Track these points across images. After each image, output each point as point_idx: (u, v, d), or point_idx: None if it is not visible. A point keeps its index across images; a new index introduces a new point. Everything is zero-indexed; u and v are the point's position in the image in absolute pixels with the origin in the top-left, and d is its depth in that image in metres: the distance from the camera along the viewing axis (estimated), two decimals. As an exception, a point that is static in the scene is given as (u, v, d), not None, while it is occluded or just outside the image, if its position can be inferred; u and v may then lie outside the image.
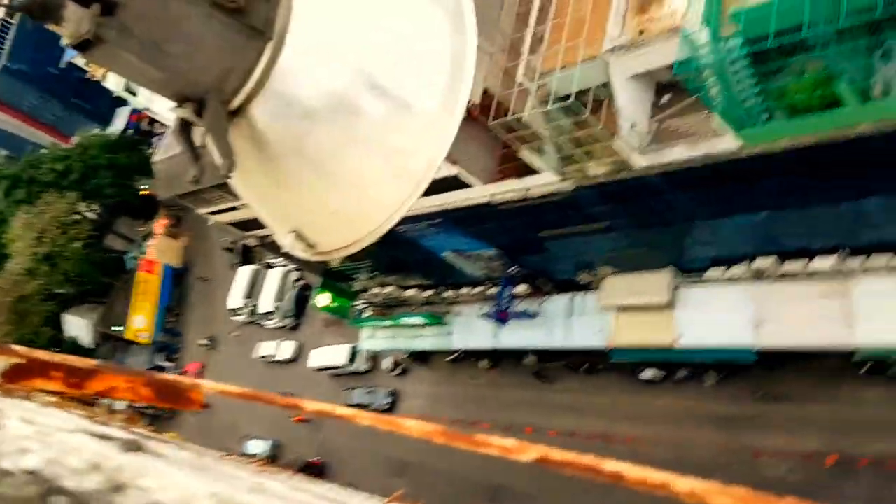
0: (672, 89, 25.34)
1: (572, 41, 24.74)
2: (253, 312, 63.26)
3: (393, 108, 2.80)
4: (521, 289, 38.76)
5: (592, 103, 25.00)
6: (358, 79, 2.75)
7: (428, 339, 44.43)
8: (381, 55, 2.78)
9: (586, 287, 35.76)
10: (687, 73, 22.41)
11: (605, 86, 24.82)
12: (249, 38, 2.72)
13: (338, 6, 2.89)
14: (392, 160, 2.91)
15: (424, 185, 2.99)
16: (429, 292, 44.37)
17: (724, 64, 22.50)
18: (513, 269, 38.34)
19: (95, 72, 63.87)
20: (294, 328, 61.25)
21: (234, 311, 65.34)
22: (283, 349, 59.63)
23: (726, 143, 24.20)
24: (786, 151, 23.62)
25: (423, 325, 44.45)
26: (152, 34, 2.59)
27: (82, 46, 2.63)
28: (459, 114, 2.93)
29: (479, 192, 31.07)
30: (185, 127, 2.88)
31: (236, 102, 2.76)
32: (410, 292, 45.40)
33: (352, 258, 44.72)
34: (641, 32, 24.12)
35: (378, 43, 2.80)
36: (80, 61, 68.07)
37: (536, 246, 35.07)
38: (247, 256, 66.37)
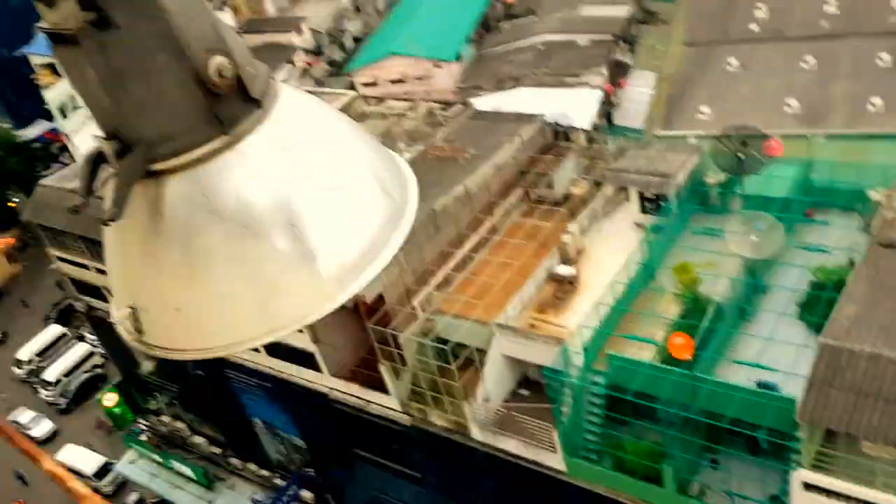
0: (535, 388, 26.38)
1: (475, 298, 25.96)
2: (35, 374, 57.14)
3: (296, 253, 2.78)
4: (307, 495, 36.56)
5: (464, 360, 25.66)
6: (281, 209, 2.76)
7: (186, 497, 40.56)
8: (315, 203, 2.82)
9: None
10: (552, 382, 23.56)
11: (482, 352, 25.67)
12: (208, 123, 2.73)
13: (303, 141, 2.97)
14: (265, 297, 2.84)
15: (276, 337, 2.90)
16: (217, 449, 41.34)
17: (583, 392, 23.85)
18: (310, 471, 36.42)
19: (43, 78, 62.38)
20: (65, 411, 55.10)
21: (19, 363, 58.98)
22: (41, 426, 53.07)
23: (554, 461, 24.85)
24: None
25: (190, 479, 40.79)
26: (125, 66, 2.58)
27: (57, 38, 2.58)
28: (349, 294, 2.94)
29: (323, 380, 30.34)
30: (97, 159, 2.78)
31: (158, 167, 2.71)
32: (199, 440, 42.22)
33: (164, 374, 41.80)
34: (532, 326, 25.60)
35: (319, 191, 2.86)
36: (35, 59, 66.60)
37: (347, 460, 33.72)
38: (64, 317, 61.46)
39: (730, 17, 42.82)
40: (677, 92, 39.92)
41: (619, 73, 42.99)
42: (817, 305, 23.25)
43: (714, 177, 29.66)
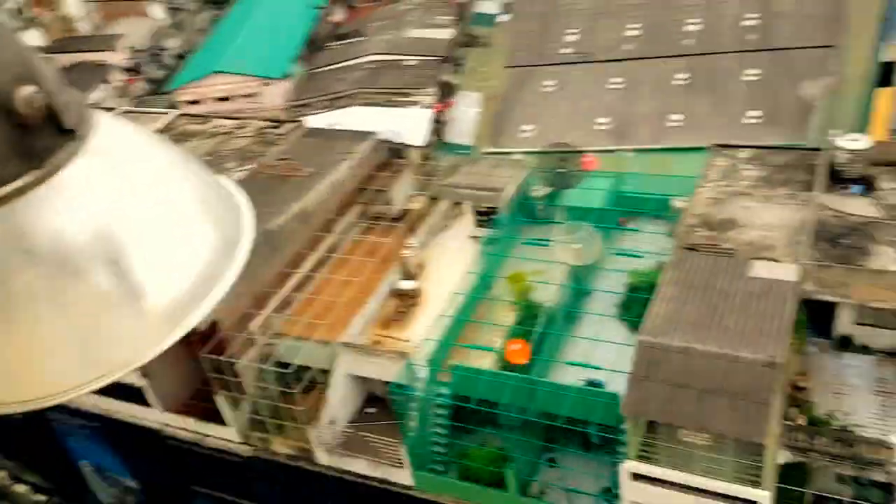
0: (381, 404, 26.41)
1: (316, 319, 25.58)
2: None
3: (120, 291, 2.67)
4: (142, 538, 34.14)
5: (307, 383, 25.18)
6: (101, 245, 2.63)
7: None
8: (139, 236, 2.71)
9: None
10: (398, 397, 23.74)
11: (325, 373, 25.34)
12: (17, 157, 2.58)
13: (123, 172, 2.86)
14: (88, 341, 2.70)
15: (104, 383, 2.76)
16: (43, 496, 37.72)
17: (429, 404, 24.25)
18: (145, 512, 34.11)
19: None
20: None
21: None
22: None
23: (402, 476, 25.00)
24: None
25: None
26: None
27: None
28: (182, 331, 2.86)
29: (154, 416, 28.58)
30: None
31: (-34, 200, 2.52)
32: (22, 488, 38.33)
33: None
34: (376, 343, 25.67)
35: (142, 223, 2.75)
36: None
37: (184, 498, 31.91)
38: None
39: (545, 41, 45.55)
40: (502, 111, 41.81)
41: (446, 92, 44.37)
42: (634, 306, 25.18)
43: (539, 190, 31.35)
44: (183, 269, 2.80)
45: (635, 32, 43.76)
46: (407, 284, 27.29)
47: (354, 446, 25.80)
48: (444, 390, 24.18)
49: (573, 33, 45.33)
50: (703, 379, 20.14)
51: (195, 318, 2.81)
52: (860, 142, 25.92)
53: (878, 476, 20.49)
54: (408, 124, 36.72)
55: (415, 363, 24.01)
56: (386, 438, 25.23)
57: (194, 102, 47.63)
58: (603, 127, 39.03)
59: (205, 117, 40.80)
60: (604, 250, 27.86)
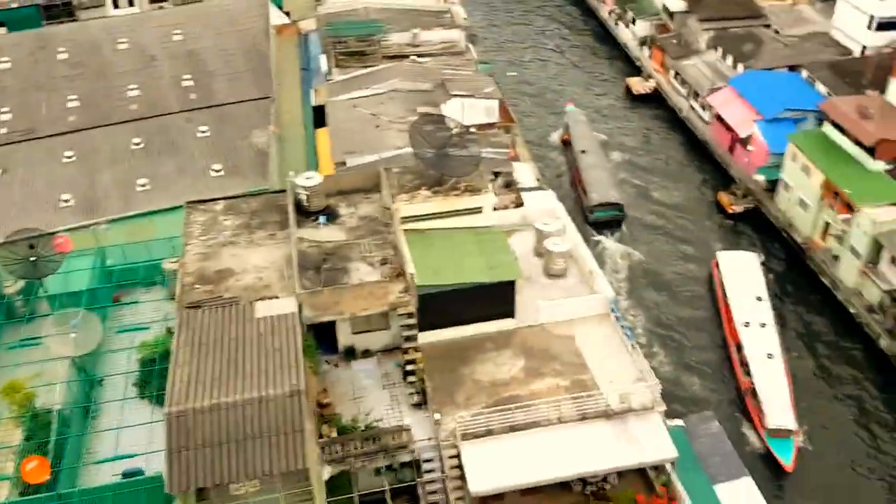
0: None
1: None
2: None
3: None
4: None
5: None
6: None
7: None
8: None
9: None
10: None
11: None
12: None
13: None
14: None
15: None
16: None
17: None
18: None
19: None
20: None
21: None
22: None
23: None
24: None
25: None
26: None
27: None
28: None
29: None
30: None
31: None
32: None
33: None
34: None
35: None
36: None
37: None
38: None
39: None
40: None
41: None
42: (153, 380, 24.32)
43: (11, 286, 27.82)
44: None
45: (75, 104, 41.70)
46: None
47: None
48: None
49: (4, 112, 41.09)
50: (238, 429, 20.57)
51: None
52: (313, 179, 29.45)
53: (405, 457, 23.85)
54: None
55: None
56: None
57: None
58: (68, 204, 36.23)
59: None
60: (104, 332, 26.15)
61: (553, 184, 51.59)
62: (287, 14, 59.05)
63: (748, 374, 35.89)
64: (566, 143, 57.75)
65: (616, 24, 74.25)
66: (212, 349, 22.67)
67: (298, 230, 27.95)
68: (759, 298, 39.51)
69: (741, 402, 36.16)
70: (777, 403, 34.05)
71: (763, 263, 43.50)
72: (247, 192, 33.74)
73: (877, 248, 40.89)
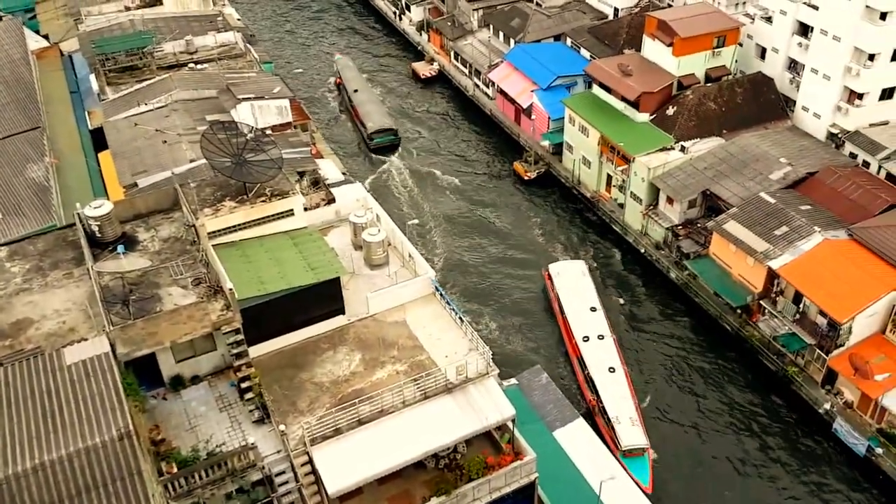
0: None
1: None
2: None
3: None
4: None
5: None
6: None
7: None
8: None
9: None
10: None
11: None
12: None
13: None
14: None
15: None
16: None
17: None
18: None
19: None
20: None
21: None
22: None
23: None
24: None
25: None
26: None
27: None
28: None
29: None
30: None
31: None
32: None
33: None
34: None
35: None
36: None
37: None
38: None
39: None
40: None
41: None
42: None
43: None
44: None
45: None
46: None
47: None
48: None
49: None
50: (69, 486, 19.00)
51: None
52: (103, 206, 27.44)
53: (256, 475, 23.19)
54: None
55: None
56: None
57: None
58: None
59: None
60: None
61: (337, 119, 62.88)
62: (45, 37, 54.40)
63: (594, 390, 36.28)
64: (339, 87, 66.56)
65: (394, 13, 75.55)
66: (22, 407, 20.65)
67: (96, 264, 26.05)
68: (593, 309, 40.13)
69: (591, 419, 35.65)
70: (625, 421, 34.39)
71: (591, 269, 44.59)
72: (31, 233, 30.98)
73: (654, 191, 45.46)
